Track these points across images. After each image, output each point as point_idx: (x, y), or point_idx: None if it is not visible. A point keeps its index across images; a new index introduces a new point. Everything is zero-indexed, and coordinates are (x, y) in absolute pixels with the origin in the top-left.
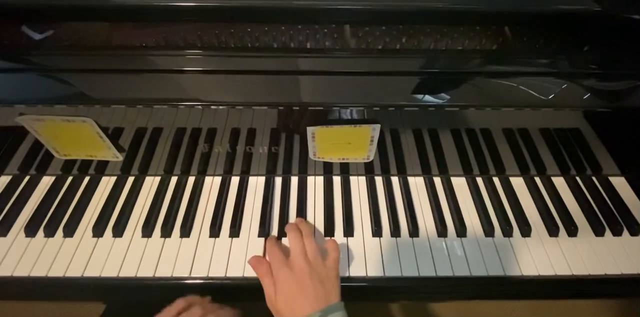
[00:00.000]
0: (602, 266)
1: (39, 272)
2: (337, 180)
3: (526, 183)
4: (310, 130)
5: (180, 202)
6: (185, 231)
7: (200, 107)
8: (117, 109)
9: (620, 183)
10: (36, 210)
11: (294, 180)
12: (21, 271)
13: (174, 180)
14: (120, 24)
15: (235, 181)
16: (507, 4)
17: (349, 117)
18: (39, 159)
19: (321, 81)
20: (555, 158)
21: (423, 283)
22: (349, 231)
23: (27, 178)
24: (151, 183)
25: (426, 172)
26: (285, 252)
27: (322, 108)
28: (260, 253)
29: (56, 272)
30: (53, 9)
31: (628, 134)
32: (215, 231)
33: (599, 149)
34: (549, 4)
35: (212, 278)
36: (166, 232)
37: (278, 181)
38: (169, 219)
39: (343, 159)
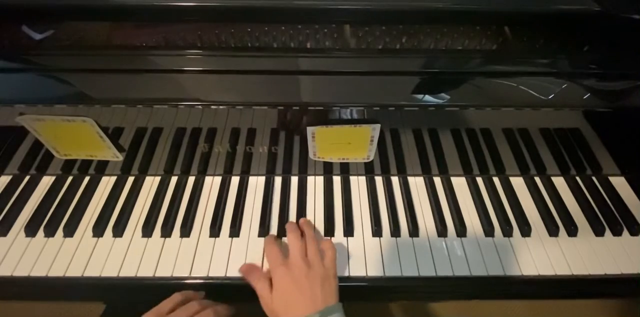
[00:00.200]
0: (602, 266)
1: (39, 272)
2: (337, 180)
3: (526, 183)
4: (310, 130)
5: (180, 202)
6: (185, 231)
7: (200, 107)
8: (117, 108)
9: (620, 183)
10: (36, 210)
11: (294, 180)
12: (21, 271)
13: (174, 180)
14: (120, 24)
15: (235, 180)
16: (507, 4)
17: (349, 117)
18: (39, 159)
19: (321, 81)
20: (555, 158)
21: (423, 283)
22: (349, 230)
23: (27, 178)
24: (151, 183)
25: (426, 172)
26: (285, 251)
27: (322, 108)
28: (260, 253)
29: (56, 272)
30: (53, 8)
31: (628, 134)
32: (215, 230)
33: (599, 149)
34: (549, 4)
35: (212, 278)
36: (166, 232)
37: (278, 180)
38: (169, 219)
39: (343, 159)
